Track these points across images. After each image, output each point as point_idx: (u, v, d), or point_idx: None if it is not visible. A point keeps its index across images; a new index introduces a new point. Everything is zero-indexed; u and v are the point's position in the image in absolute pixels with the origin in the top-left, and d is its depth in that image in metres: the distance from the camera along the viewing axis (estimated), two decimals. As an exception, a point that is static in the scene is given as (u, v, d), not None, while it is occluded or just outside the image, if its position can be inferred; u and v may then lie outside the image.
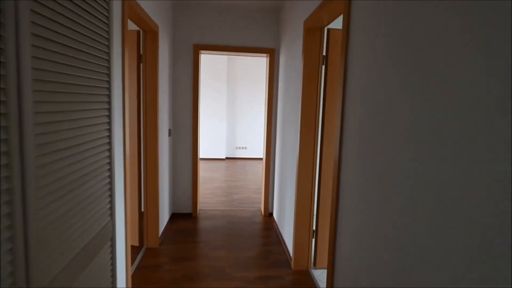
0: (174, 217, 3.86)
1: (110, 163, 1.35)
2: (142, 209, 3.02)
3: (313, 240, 2.79)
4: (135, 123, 2.82)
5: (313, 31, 2.56)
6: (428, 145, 0.95)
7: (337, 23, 2.69)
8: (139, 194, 2.96)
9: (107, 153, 1.32)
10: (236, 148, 7.97)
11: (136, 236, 3.02)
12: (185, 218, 3.84)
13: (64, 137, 1.02)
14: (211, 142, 7.60)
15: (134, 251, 2.95)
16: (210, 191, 5.01)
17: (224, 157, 7.69)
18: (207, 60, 7.32)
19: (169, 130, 3.57)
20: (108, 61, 1.33)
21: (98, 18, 1.23)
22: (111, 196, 1.37)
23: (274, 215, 3.86)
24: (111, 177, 1.36)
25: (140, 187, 2.96)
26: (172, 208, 3.92)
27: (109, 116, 1.33)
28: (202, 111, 7.48)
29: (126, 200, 1.88)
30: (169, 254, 2.94)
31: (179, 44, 3.66)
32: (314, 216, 2.77)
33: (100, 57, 1.26)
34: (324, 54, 2.60)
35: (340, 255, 1.67)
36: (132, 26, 3.14)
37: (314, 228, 2.78)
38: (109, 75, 1.33)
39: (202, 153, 7.61)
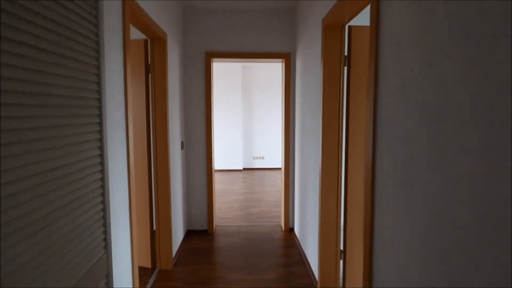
0: (189, 234, 3.64)
1: (103, 187, 1.15)
2: (154, 228, 2.83)
3: (341, 261, 2.49)
4: (144, 137, 2.66)
5: (332, 29, 2.33)
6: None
7: (360, 19, 2.44)
8: (151, 212, 2.77)
9: (98, 176, 1.12)
10: (253, 158, 7.74)
11: (148, 258, 2.82)
12: (200, 235, 3.62)
13: (35, 160, 0.82)
14: (228, 153, 7.41)
15: (146, 274, 2.74)
16: (227, 205, 4.78)
17: (241, 168, 7.48)
18: (221, 69, 7.21)
19: (182, 142, 3.40)
20: (98, 67, 1.14)
21: (82, 26, 1.05)
22: (105, 225, 1.17)
23: (296, 230, 3.58)
24: (104, 203, 1.16)
25: (151, 204, 2.77)
26: (187, 225, 3.72)
27: (101, 132, 1.14)
28: (217, 121, 7.33)
29: (132, 225, 1.68)
30: (183, 277, 2.72)
31: (190, 52, 3.51)
32: (341, 234, 2.48)
33: (87, 63, 1.08)
34: (346, 54, 2.35)
35: (379, 278, 1.39)
36: (140, 35, 3.01)
37: (341, 248, 2.48)
38: (99, 84, 1.14)
39: (218, 164, 7.43)
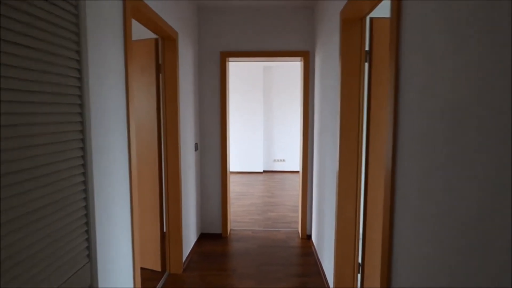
0: (202, 237, 3.56)
1: (86, 191, 1.06)
2: (165, 230, 2.76)
3: (359, 275, 2.28)
4: (154, 138, 2.60)
5: (351, 22, 2.14)
6: None
7: (382, 10, 2.24)
8: (161, 214, 2.70)
9: (79, 179, 1.03)
10: (274, 160, 7.58)
11: (157, 260, 2.75)
12: (214, 239, 3.52)
13: (9, 158, 0.74)
14: (248, 155, 7.31)
15: (155, 277, 2.68)
16: (244, 208, 4.66)
17: (261, 170, 7.34)
18: (241, 69, 7.13)
19: (195, 144, 3.32)
20: (79, 62, 1.06)
21: (59, 26, 0.97)
22: (89, 232, 1.08)
23: (313, 238, 3.39)
24: (87, 208, 1.07)
25: (161, 206, 2.71)
26: (201, 228, 3.63)
27: (83, 132, 1.05)
28: (238, 123, 7.25)
29: (134, 228, 1.59)
30: (192, 283, 2.62)
31: (204, 52, 3.44)
32: (360, 247, 2.27)
33: (67, 63, 1.00)
34: (366, 49, 2.15)
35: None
36: (151, 35, 2.97)
37: (360, 261, 2.28)
38: (80, 79, 1.05)
39: (238, 166, 7.34)
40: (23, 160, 0.83)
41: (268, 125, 7.55)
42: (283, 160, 7.57)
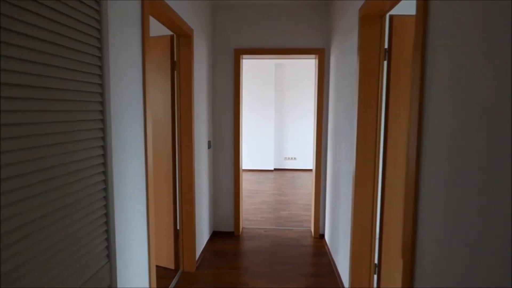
0: (214, 236, 3.57)
1: (106, 190, 1.06)
2: (178, 227, 2.77)
3: (375, 276, 2.25)
4: (169, 135, 2.60)
5: (371, 19, 2.09)
6: None
7: (403, 8, 2.18)
8: (175, 211, 2.71)
9: (100, 177, 1.03)
10: (285, 158, 7.54)
11: (171, 258, 2.77)
12: (226, 237, 3.52)
13: (25, 158, 0.74)
14: (259, 153, 7.29)
15: (168, 275, 2.70)
16: (255, 206, 4.66)
17: (272, 168, 7.32)
18: (253, 66, 7.10)
19: (209, 142, 3.32)
20: (100, 59, 1.05)
21: (82, 22, 0.97)
22: (108, 232, 1.08)
23: (326, 237, 3.36)
24: (107, 207, 1.07)
25: (175, 204, 2.72)
26: (213, 226, 3.64)
27: (104, 130, 1.05)
28: (249, 120, 7.24)
29: (150, 227, 1.60)
30: (206, 281, 2.63)
31: (218, 49, 3.42)
32: (376, 247, 2.23)
33: (89, 59, 0.99)
34: (386, 47, 2.10)
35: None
36: (166, 31, 2.97)
37: (376, 261, 2.24)
38: (101, 76, 1.05)
39: (249, 164, 7.33)
40: (45, 158, 0.83)
41: (279, 122, 7.52)
42: (294, 158, 7.53)
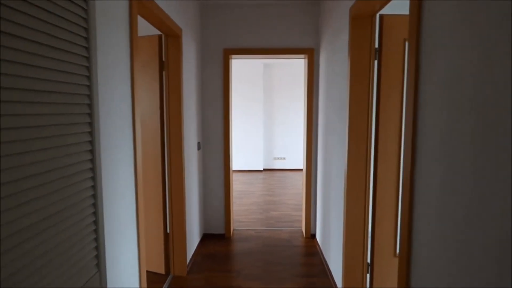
0: (205, 238, 3.51)
1: (95, 196, 1.01)
2: (168, 230, 2.71)
3: (368, 275, 2.26)
4: (157, 137, 2.54)
5: (361, 19, 2.10)
6: None
7: (393, 7, 2.20)
8: (164, 214, 2.65)
9: (88, 183, 0.98)
10: (274, 158, 7.54)
11: (161, 263, 2.70)
12: (217, 239, 3.48)
13: (9, 165, 0.69)
14: (248, 153, 7.26)
15: (159, 280, 2.63)
16: (245, 207, 4.63)
17: (261, 169, 7.30)
18: (241, 67, 7.06)
19: (198, 143, 3.27)
20: (88, 59, 1.00)
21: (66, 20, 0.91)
22: (98, 240, 1.03)
23: (318, 237, 3.36)
24: (96, 215, 1.02)
25: (165, 207, 2.65)
26: (204, 228, 3.59)
27: (92, 134, 1.00)
28: (238, 120, 7.20)
29: (140, 234, 1.54)
30: (198, 285, 2.58)
31: (207, 49, 3.38)
32: (369, 246, 2.24)
33: (76, 60, 0.94)
34: (376, 46, 2.11)
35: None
36: (154, 31, 2.90)
37: (369, 260, 2.25)
38: (89, 77, 1.00)
39: (239, 164, 7.29)
40: (32, 165, 0.78)
41: (268, 122, 7.51)
42: (283, 158, 7.53)
